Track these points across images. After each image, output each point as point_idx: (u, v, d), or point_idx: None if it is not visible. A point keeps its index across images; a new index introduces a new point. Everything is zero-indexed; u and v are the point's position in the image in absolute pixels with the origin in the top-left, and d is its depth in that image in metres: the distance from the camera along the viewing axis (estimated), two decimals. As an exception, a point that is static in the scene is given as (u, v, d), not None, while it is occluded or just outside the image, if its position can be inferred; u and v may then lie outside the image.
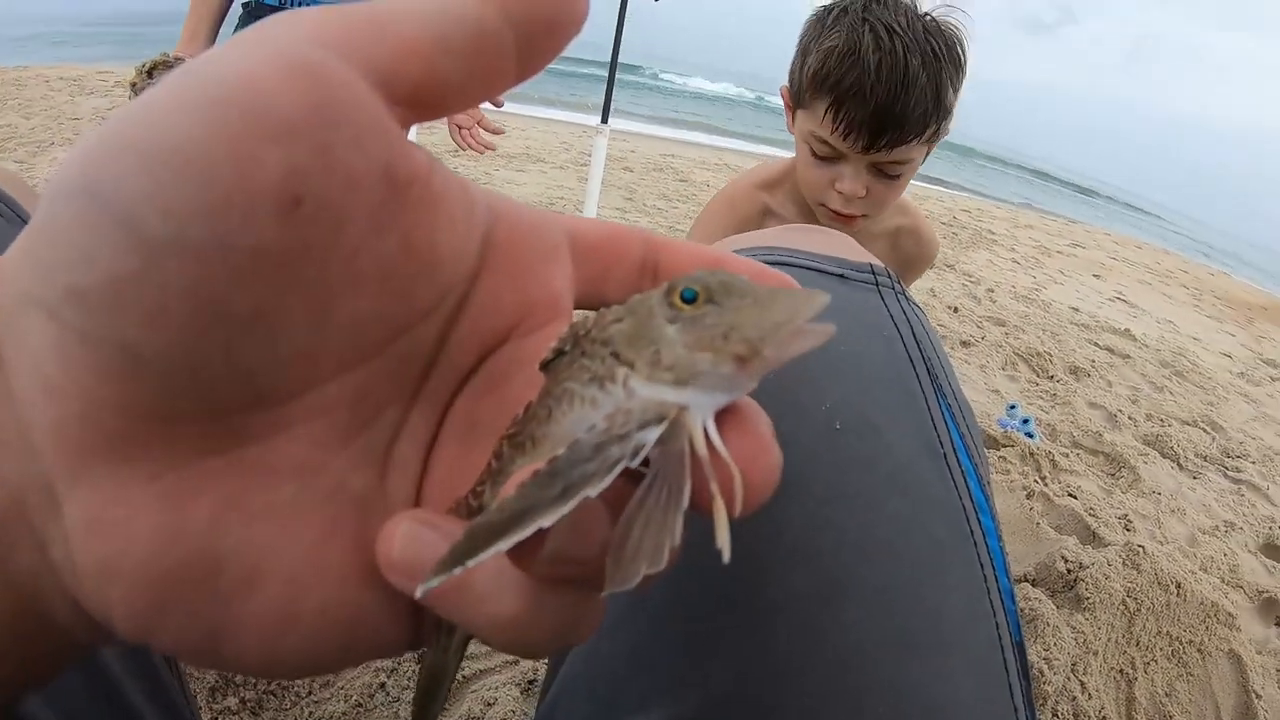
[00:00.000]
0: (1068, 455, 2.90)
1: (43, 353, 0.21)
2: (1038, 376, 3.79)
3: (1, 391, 0.22)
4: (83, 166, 0.21)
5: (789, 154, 1.72)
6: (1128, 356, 4.67)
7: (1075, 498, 2.58)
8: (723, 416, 0.24)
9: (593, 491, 0.22)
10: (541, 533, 0.22)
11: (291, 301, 0.22)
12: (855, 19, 1.44)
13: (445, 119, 2.24)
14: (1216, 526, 2.78)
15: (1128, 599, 2.08)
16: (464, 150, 2.53)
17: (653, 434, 0.23)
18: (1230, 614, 2.20)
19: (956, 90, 1.49)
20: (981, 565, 0.51)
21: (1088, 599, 2.04)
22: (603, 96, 3.61)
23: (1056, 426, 3.14)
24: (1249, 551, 2.73)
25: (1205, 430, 3.75)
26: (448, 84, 0.25)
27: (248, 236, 0.21)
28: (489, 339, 0.29)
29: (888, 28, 1.42)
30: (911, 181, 1.63)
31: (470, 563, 0.22)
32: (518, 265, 0.29)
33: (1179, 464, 3.24)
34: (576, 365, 0.26)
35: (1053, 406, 3.40)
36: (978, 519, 0.53)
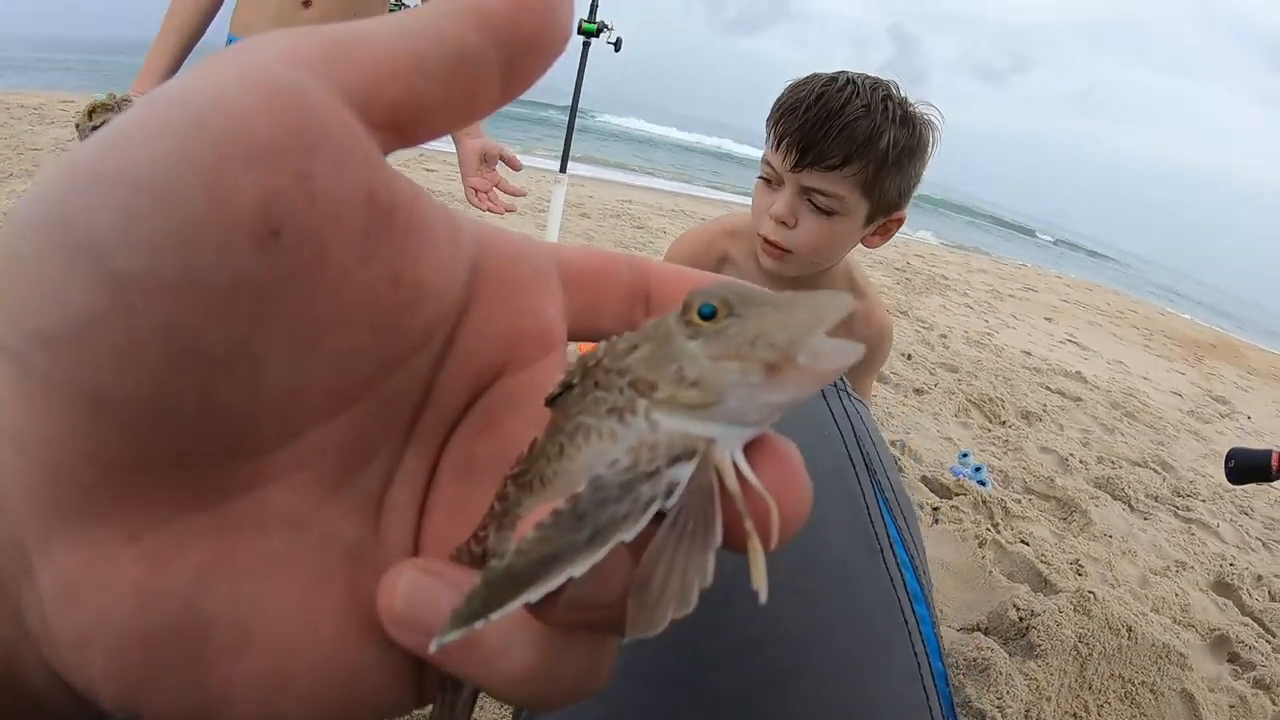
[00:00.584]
0: (1020, 501, 2.96)
1: (8, 401, 0.20)
2: (990, 422, 3.86)
3: None
4: (45, 198, 0.19)
5: (745, 200, 1.80)
6: (1079, 399, 4.77)
7: (1027, 544, 2.64)
8: (749, 446, 0.23)
9: (627, 536, 0.21)
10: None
11: (273, 339, 0.21)
12: (829, 78, 1.57)
13: (461, 181, 2.23)
14: (1168, 567, 2.85)
15: (1079, 644, 2.12)
16: (483, 213, 2.49)
17: (685, 470, 0.21)
18: (1182, 654, 2.25)
19: (909, 163, 1.57)
20: (916, 653, 0.55)
21: (1040, 646, 2.08)
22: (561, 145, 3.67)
23: (1009, 473, 3.21)
24: (1200, 590, 2.79)
25: (1156, 470, 3.84)
26: (427, 106, 0.23)
27: (223, 270, 0.19)
28: (482, 374, 0.28)
29: (849, 79, 1.54)
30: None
31: (494, 616, 0.20)
32: (507, 296, 0.28)
33: (1130, 505, 3.31)
34: (590, 398, 0.24)
35: (1005, 453, 3.46)
36: (913, 609, 0.57)
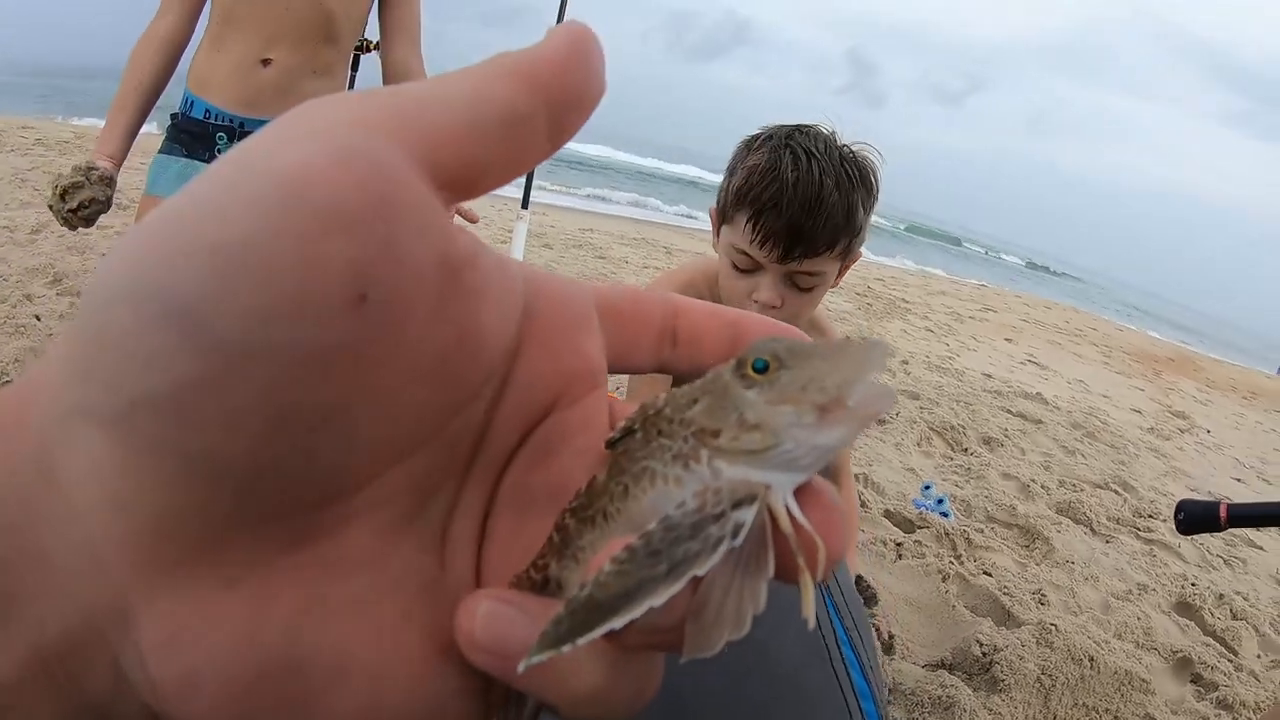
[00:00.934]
0: (982, 531, 3.01)
1: (106, 467, 0.21)
2: (952, 450, 3.92)
3: (62, 511, 0.22)
4: (137, 268, 0.20)
5: (705, 230, 1.82)
6: (1040, 422, 4.84)
7: (990, 575, 2.68)
8: (797, 491, 0.26)
9: (700, 571, 0.23)
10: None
11: (361, 397, 0.22)
12: (778, 143, 1.60)
13: None
14: (1129, 590, 2.90)
15: (1043, 676, 2.16)
16: None
17: (749, 514, 0.24)
18: (1144, 679, 2.30)
19: (868, 212, 1.65)
20: None
21: (1003, 681, 2.12)
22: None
23: (971, 502, 3.25)
24: (1162, 612, 2.84)
25: (1117, 492, 3.91)
26: (484, 165, 0.25)
27: (319, 335, 0.20)
28: (534, 411, 0.29)
29: (807, 152, 1.57)
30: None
31: (580, 641, 0.22)
32: (555, 337, 0.29)
33: (1092, 529, 3.37)
34: (655, 445, 0.27)
35: (967, 481, 3.51)
36: (859, 706, 0.61)
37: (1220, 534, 3.61)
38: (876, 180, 1.63)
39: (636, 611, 0.23)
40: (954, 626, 2.37)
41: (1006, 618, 2.46)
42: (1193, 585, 3.05)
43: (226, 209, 0.20)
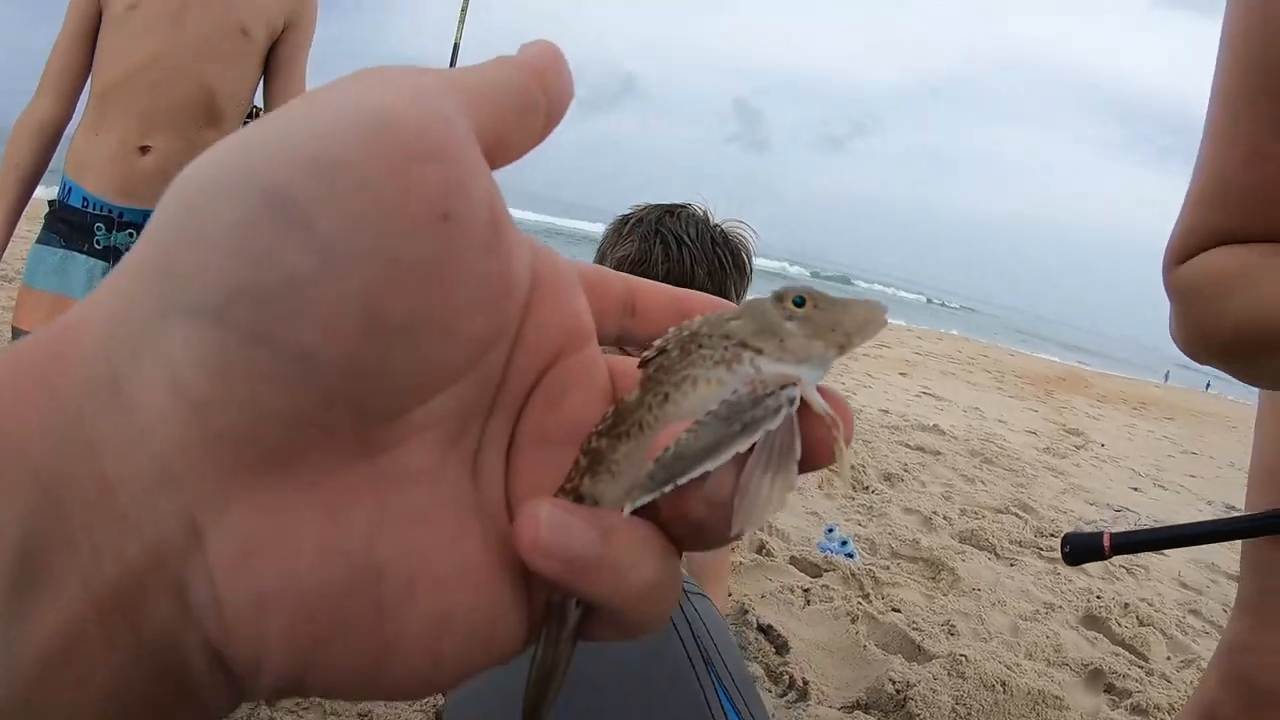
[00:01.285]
0: (888, 568, 3.04)
1: (191, 367, 0.22)
2: (853, 490, 3.96)
3: (126, 434, 0.22)
4: (244, 167, 0.22)
5: None
6: (938, 453, 4.95)
7: (899, 611, 2.70)
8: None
9: (772, 426, 0.27)
10: (701, 480, 0.27)
11: (434, 312, 0.24)
12: (649, 230, 1.57)
13: None
14: (1036, 611, 2.95)
15: (957, 706, 2.18)
16: None
17: (795, 391, 0.29)
18: (1057, 696, 2.34)
19: (741, 294, 1.64)
20: None
21: (919, 715, 2.13)
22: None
23: (875, 540, 3.29)
24: (1070, 628, 2.90)
25: (1017, 515, 4.00)
26: (505, 140, 0.28)
27: (410, 246, 0.22)
28: (544, 359, 0.31)
29: (677, 239, 1.55)
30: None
31: (682, 480, 0.26)
32: (556, 294, 0.31)
33: (995, 554, 3.44)
34: (695, 355, 0.31)
35: (870, 520, 3.55)
36: None
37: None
38: (749, 260, 1.63)
39: (725, 457, 0.26)
40: (866, 666, 2.38)
41: (918, 652, 2.48)
42: (1098, 598, 3.13)
43: (326, 132, 0.22)
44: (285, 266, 0.21)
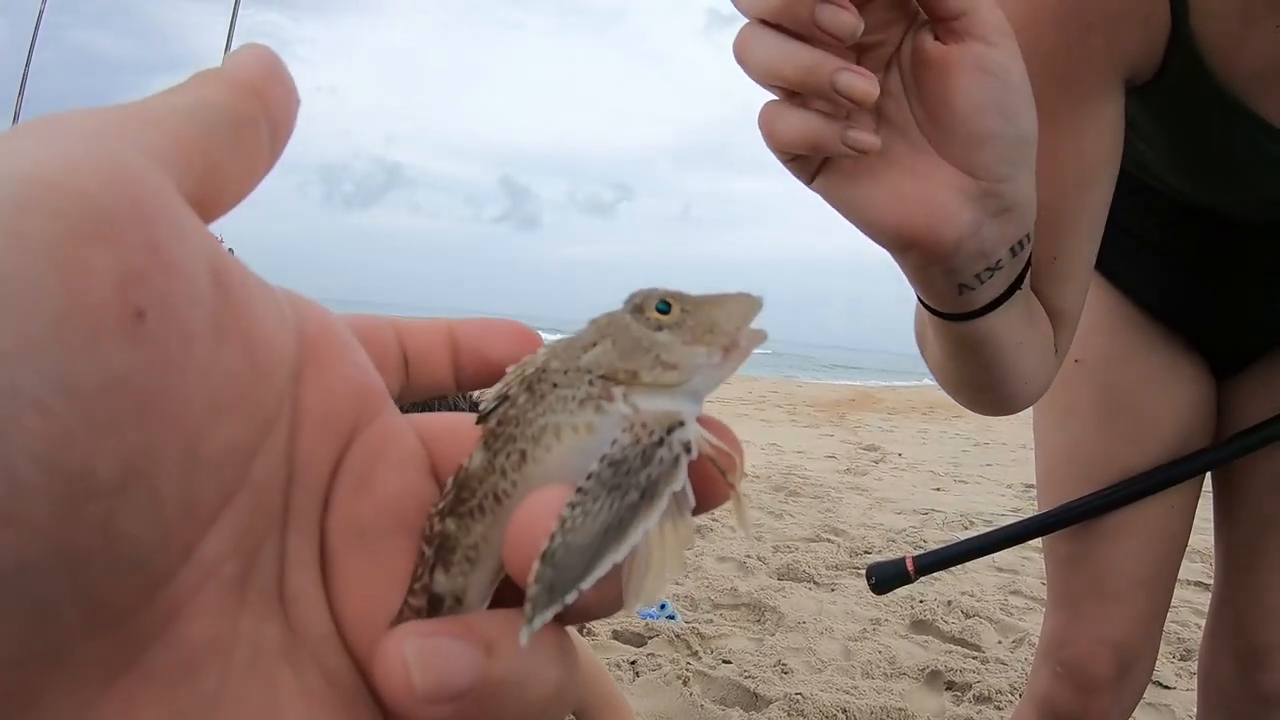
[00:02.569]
0: (712, 620, 3.05)
1: None
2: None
3: None
4: None
5: None
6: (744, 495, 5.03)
7: (730, 662, 2.70)
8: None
9: (676, 486, 0.24)
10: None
11: (161, 445, 0.19)
12: None
13: None
14: (864, 630, 3.03)
15: (802, 744, 2.18)
16: None
17: (687, 433, 0.26)
18: (900, 708, 2.39)
19: None
20: None
21: (765, 764, 2.11)
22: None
23: (694, 596, 3.29)
24: (900, 637, 2.99)
25: (830, 540, 4.12)
26: (221, 174, 0.23)
27: (95, 366, 0.17)
28: (337, 438, 0.26)
29: None
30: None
31: (586, 581, 0.22)
32: (333, 356, 0.27)
33: (815, 583, 3.51)
34: (550, 399, 0.27)
35: (685, 576, 3.55)
36: None
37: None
38: None
39: (634, 538, 0.23)
40: (706, 728, 2.35)
41: (754, 700, 2.47)
42: (921, 602, 3.24)
43: None
44: None
